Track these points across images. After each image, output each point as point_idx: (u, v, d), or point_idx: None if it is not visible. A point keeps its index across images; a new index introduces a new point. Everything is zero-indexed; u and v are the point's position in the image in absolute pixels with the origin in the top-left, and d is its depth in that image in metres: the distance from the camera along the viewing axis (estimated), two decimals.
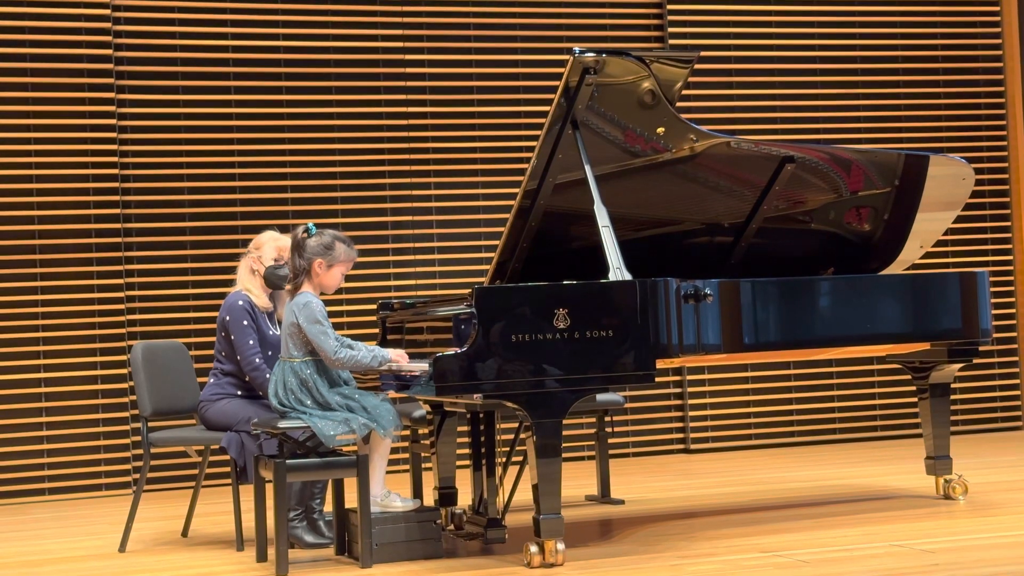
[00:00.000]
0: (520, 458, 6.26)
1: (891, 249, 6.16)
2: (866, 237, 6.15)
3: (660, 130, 5.39)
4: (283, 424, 4.94)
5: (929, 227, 6.13)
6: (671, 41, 8.71)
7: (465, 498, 5.64)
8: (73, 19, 7.81)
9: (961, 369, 6.28)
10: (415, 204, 8.40)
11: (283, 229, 5.89)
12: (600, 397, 6.24)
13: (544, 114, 5.21)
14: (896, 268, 6.20)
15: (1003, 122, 9.30)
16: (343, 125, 8.29)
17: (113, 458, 7.79)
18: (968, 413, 9.15)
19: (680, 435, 8.75)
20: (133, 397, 7.58)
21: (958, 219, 6.59)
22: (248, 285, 5.68)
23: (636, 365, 4.88)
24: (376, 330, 6.06)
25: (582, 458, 8.28)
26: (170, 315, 7.93)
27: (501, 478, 5.42)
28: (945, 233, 6.58)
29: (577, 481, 7.04)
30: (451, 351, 4.73)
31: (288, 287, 5.16)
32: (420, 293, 8.29)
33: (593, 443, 6.76)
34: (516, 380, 4.72)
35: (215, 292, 7.50)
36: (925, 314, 5.69)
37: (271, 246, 5.69)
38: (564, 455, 4.86)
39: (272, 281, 5.64)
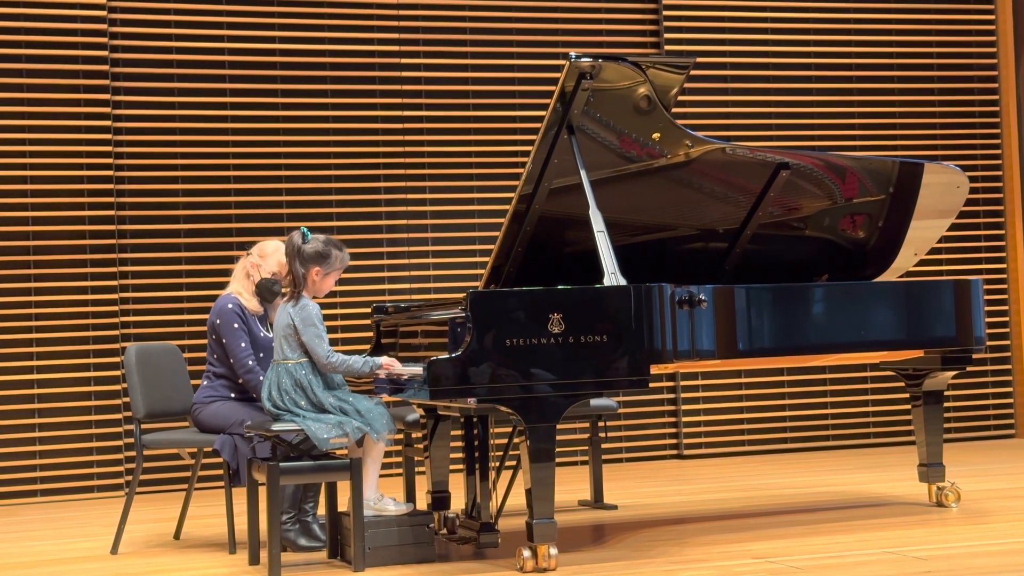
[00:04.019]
0: (513, 462, 6.26)
1: (885, 256, 6.16)
2: (860, 244, 6.16)
3: (656, 135, 5.39)
4: (276, 427, 4.93)
5: (923, 235, 6.13)
6: (667, 47, 8.72)
7: (458, 502, 5.64)
8: (69, 20, 7.80)
9: (955, 377, 6.28)
10: (410, 208, 8.40)
11: (277, 234, 5.89)
12: (594, 402, 6.26)
13: (540, 119, 5.21)
14: (890, 275, 6.21)
15: (997, 130, 9.32)
16: (339, 129, 8.29)
17: (106, 460, 7.78)
18: (961, 421, 9.16)
19: (673, 440, 8.75)
20: (126, 399, 7.58)
21: (952, 227, 6.60)
22: (240, 288, 5.67)
23: (630, 370, 4.88)
24: (370, 334, 6.05)
25: (575, 463, 8.27)
26: (164, 317, 7.92)
27: (494, 482, 5.41)
28: (939, 241, 6.59)
29: (570, 486, 7.04)
30: (445, 355, 4.73)
31: (285, 292, 5.15)
32: (415, 297, 8.29)
33: (586, 448, 6.76)
34: (510, 384, 4.72)
35: (209, 295, 7.49)
36: (919, 321, 5.70)
37: (275, 259, 5.66)
38: (557, 460, 4.86)
39: (263, 293, 5.63)
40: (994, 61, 9.33)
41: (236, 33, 8.12)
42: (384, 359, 5.03)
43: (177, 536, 5.96)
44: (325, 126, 8.26)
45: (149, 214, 7.94)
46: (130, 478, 7.53)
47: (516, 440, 5.17)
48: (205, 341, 5.76)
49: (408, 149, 8.39)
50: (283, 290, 5.59)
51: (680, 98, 6.66)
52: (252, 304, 5.66)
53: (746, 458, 8.64)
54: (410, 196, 8.40)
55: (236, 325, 5.55)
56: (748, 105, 8.91)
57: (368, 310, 6.13)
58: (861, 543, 5.18)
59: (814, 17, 9.04)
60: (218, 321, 5.57)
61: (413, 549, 5.04)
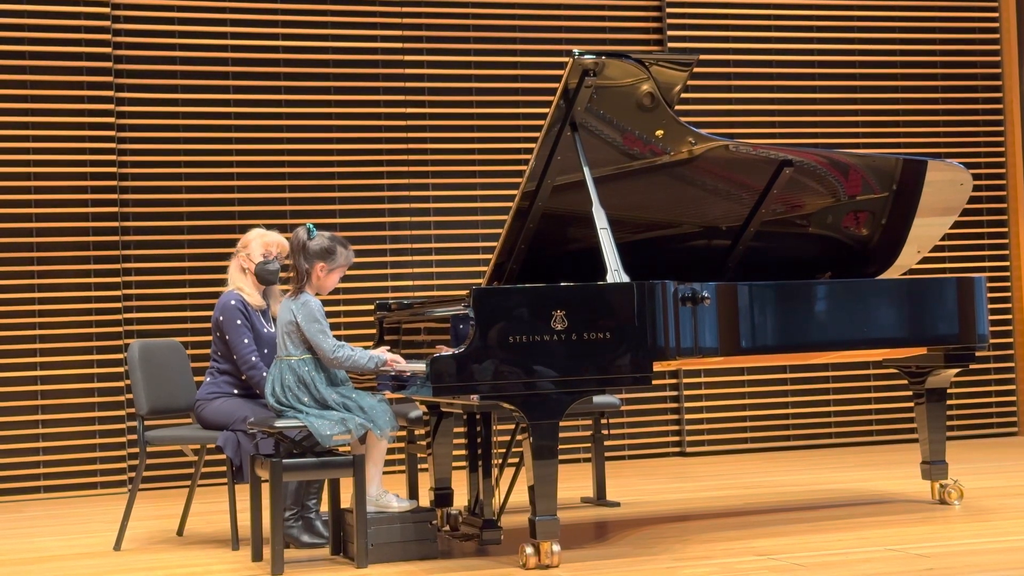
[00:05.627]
0: (516, 459, 6.27)
1: (888, 254, 6.16)
2: (864, 241, 6.16)
3: (659, 133, 5.39)
4: (279, 423, 4.93)
5: (927, 232, 6.13)
6: (670, 44, 8.71)
7: (461, 499, 5.64)
8: (72, 17, 7.80)
9: (957, 374, 6.28)
10: (413, 205, 8.40)
11: (280, 229, 5.89)
12: (596, 399, 6.25)
13: (543, 116, 5.21)
14: (893, 273, 6.21)
15: (1001, 128, 9.31)
16: (342, 125, 8.29)
17: (109, 456, 7.79)
18: (964, 418, 9.16)
19: (676, 438, 8.75)
20: (129, 396, 7.58)
21: (955, 224, 6.60)
22: (240, 284, 5.68)
23: (633, 367, 4.88)
24: (373, 331, 6.06)
25: (578, 460, 8.27)
26: (167, 314, 7.93)
27: (497, 479, 5.42)
28: (942, 238, 6.58)
29: (573, 483, 7.04)
30: (448, 352, 4.73)
31: (289, 287, 5.16)
32: (417, 294, 8.29)
33: (589, 445, 6.77)
34: (513, 381, 4.72)
35: (212, 291, 7.49)
36: (922, 319, 5.70)
37: (258, 243, 5.69)
38: (560, 457, 4.86)
39: (263, 277, 5.65)
40: (998, 59, 9.33)
41: (239, 30, 8.12)
42: (388, 355, 5.03)
43: (180, 532, 5.97)
44: (328, 122, 8.26)
45: (152, 211, 7.95)
46: (133, 474, 7.54)
47: (519, 437, 5.17)
48: (208, 337, 5.77)
49: (411, 145, 8.39)
50: (282, 263, 5.62)
51: (683, 95, 6.67)
52: (255, 299, 5.66)
53: (749, 455, 8.64)
54: (413, 192, 8.40)
55: (239, 321, 5.55)
56: (751, 102, 8.91)
57: (371, 306, 6.13)
58: (864, 540, 5.18)
59: (817, 15, 9.03)
60: (221, 318, 5.58)
61: (416, 546, 5.05)
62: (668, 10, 8.74)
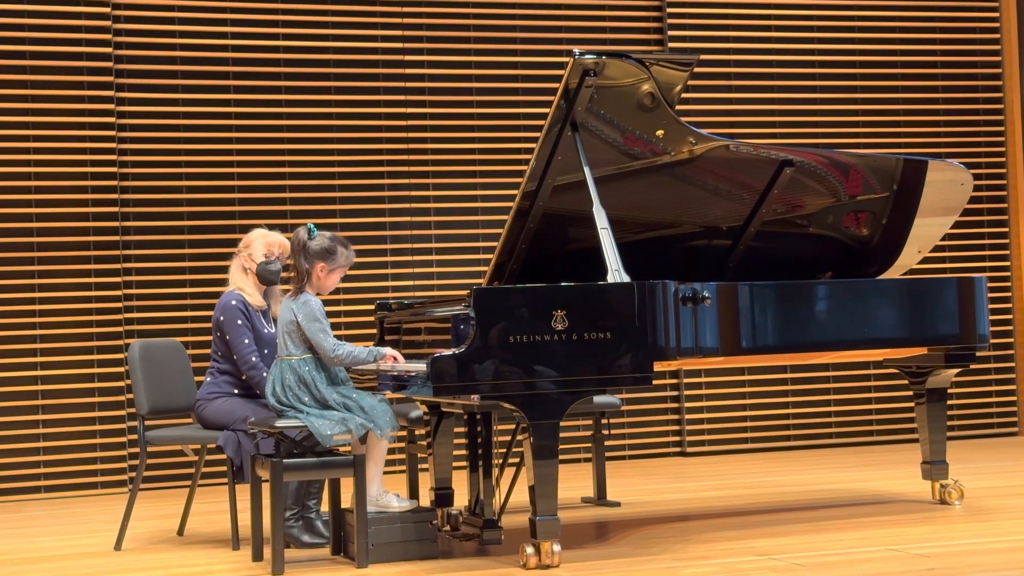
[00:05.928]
0: (517, 459, 6.27)
1: (889, 254, 6.16)
2: (864, 241, 6.16)
3: (659, 133, 5.39)
4: (280, 423, 4.93)
5: (927, 232, 6.13)
6: (670, 44, 8.71)
7: (461, 499, 5.64)
8: (72, 17, 7.80)
9: (958, 374, 6.28)
10: (413, 205, 8.40)
11: (280, 229, 5.90)
12: (597, 399, 6.25)
13: (543, 115, 5.21)
14: (894, 273, 6.21)
15: (1001, 128, 9.31)
16: (342, 125, 8.29)
17: (109, 456, 7.79)
18: (964, 418, 9.16)
19: (676, 438, 8.75)
20: (130, 395, 7.58)
21: (956, 224, 6.60)
22: (241, 284, 5.68)
23: (633, 367, 4.88)
24: (374, 331, 6.06)
25: (578, 460, 8.27)
26: (167, 314, 7.93)
27: (498, 479, 5.42)
28: (943, 238, 6.58)
29: (573, 483, 7.04)
30: (449, 352, 4.73)
31: (290, 287, 5.16)
32: (418, 294, 8.29)
33: (590, 445, 6.77)
34: (513, 381, 4.72)
35: (213, 291, 7.49)
36: (922, 319, 5.70)
37: (260, 243, 5.70)
38: (561, 457, 4.86)
39: (264, 277, 5.65)
40: (998, 59, 9.33)
41: (239, 30, 8.12)
42: (388, 350, 5.03)
43: (181, 532, 5.97)
44: (329, 122, 8.26)
45: (153, 210, 7.95)
46: (134, 474, 7.53)
47: (519, 437, 5.17)
48: (208, 337, 5.76)
49: (412, 145, 8.39)
50: (284, 264, 5.62)
51: (684, 95, 6.65)
52: (256, 299, 5.67)
53: (749, 455, 8.64)
54: (414, 192, 8.40)
55: (240, 321, 5.55)
56: (752, 102, 8.91)
57: (372, 306, 6.13)
58: (864, 540, 5.18)
59: (818, 14, 9.03)
60: (222, 317, 5.58)
61: (416, 546, 5.05)
62: (668, 10, 8.74)
